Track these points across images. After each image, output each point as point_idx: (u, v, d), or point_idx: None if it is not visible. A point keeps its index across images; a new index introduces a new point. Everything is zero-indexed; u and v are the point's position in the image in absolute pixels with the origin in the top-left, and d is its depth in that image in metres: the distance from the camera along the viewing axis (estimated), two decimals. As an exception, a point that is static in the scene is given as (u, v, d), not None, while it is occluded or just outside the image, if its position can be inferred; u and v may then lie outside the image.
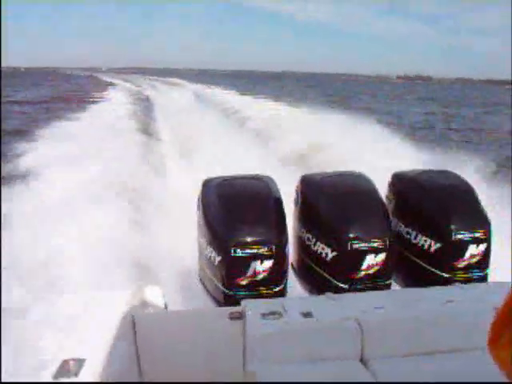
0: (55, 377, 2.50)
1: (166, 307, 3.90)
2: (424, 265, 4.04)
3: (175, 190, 11.35)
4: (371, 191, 4.05)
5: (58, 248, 7.59)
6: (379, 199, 4.02)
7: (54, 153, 15.14)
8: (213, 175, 4.30)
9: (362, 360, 3.07)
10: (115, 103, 38.91)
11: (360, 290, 3.72)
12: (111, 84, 75.54)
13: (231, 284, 3.64)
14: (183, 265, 5.96)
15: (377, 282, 3.77)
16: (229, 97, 45.10)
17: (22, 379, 2.48)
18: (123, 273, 7.19)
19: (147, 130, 24.53)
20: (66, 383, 2.49)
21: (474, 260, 3.95)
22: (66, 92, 60.87)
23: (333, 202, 3.92)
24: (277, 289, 3.70)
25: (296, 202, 4.26)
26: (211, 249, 3.74)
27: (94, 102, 39.23)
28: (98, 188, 10.93)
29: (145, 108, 36.72)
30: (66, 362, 2.60)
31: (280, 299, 3.48)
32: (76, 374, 2.51)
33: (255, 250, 3.59)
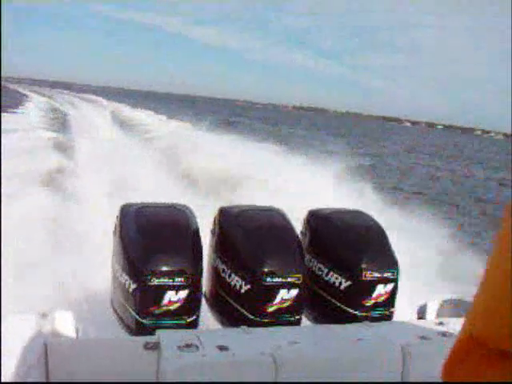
0: None
1: (77, 334, 3.84)
2: (334, 301, 4.14)
3: (89, 214, 11.21)
4: (287, 227, 4.14)
5: None
6: (295, 235, 4.11)
7: None
8: (131, 201, 4.29)
9: None
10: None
11: (272, 324, 3.77)
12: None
13: (145, 312, 3.61)
14: (95, 290, 5.89)
15: (288, 316, 3.83)
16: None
17: None
18: (35, 295, 7.03)
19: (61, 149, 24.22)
20: None
21: (382, 299, 4.10)
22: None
23: (249, 235, 3.98)
24: (190, 319, 3.71)
25: (213, 233, 4.29)
26: (126, 276, 3.71)
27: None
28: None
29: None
30: None
31: (195, 331, 3.50)
32: None
33: (171, 280, 3.59)
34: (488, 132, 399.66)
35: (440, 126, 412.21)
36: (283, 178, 17.69)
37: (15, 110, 46.44)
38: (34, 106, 56.30)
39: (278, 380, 3.13)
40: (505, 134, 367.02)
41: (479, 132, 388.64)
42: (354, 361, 3.33)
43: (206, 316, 4.16)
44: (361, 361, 3.34)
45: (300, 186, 15.78)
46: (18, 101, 62.78)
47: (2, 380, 2.61)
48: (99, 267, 5.16)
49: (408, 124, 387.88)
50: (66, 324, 3.80)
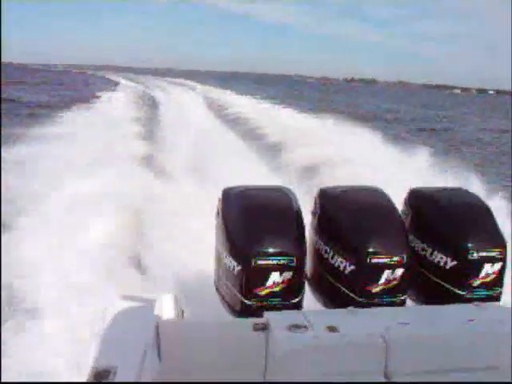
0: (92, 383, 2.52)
1: (182, 315, 3.94)
2: (439, 281, 4.07)
3: (190, 198, 11.41)
4: (389, 206, 4.08)
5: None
6: (398, 215, 4.05)
7: (54, 157, 15.33)
8: (232, 184, 4.34)
9: (385, 375, 3.11)
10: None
11: (376, 305, 3.74)
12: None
13: (250, 294, 3.65)
14: (198, 273, 6.01)
15: (393, 297, 3.79)
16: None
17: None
18: (137, 280, 7.30)
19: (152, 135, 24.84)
20: None
21: (489, 279, 3.98)
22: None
23: (352, 215, 3.95)
24: (295, 300, 3.73)
25: (314, 214, 4.29)
26: (231, 258, 3.76)
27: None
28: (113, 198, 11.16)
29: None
30: (101, 369, 2.63)
31: (302, 312, 3.51)
32: (109, 382, 2.53)
33: (276, 261, 3.61)
34: None
35: (491, 92, 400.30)
36: (378, 158, 17.48)
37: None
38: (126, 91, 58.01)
39: (389, 361, 3.11)
40: None
41: None
42: (467, 342, 3.24)
43: (309, 298, 4.16)
44: (473, 342, 3.25)
45: (395, 165, 15.52)
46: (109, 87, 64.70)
47: (118, 362, 2.71)
48: (200, 250, 5.24)
49: (458, 91, 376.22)
50: (171, 306, 3.90)
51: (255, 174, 13.75)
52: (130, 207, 11.17)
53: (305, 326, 3.22)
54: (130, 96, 51.43)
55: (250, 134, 27.37)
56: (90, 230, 9.20)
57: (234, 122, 32.61)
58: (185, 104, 45.13)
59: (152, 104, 46.59)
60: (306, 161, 18.70)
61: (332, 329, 3.21)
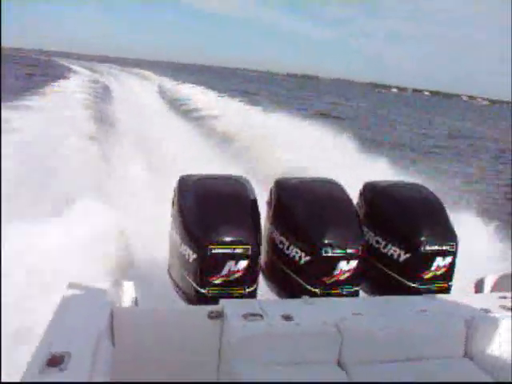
0: (44, 371, 2.48)
1: (136, 303, 3.91)
2: (392, 274, 4.13)
3: (145, 185, 11.32)
4: (345, 198, 4.11)
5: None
6: (353, 207, 4.09)
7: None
8: (189, 173, 4.32)
9: (339, 364, 3.15)
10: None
11: (330, 295, 3.78)
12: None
13: (205, 282, 3.65)
14: (151, 260, 5.98)
15: (346, 288, 3.84)
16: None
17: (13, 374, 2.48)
18: (96, 267, 7.20)
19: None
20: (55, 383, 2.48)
21: (440, 272, 4.07)
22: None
23: (308, 207, 3.97)
24: (249, 289, 3.74)
25: (269, 205, 4.29)
26: (186, 246, 3.74)
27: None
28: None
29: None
30: (53, 355, 2.58)
31: (258, 301, 3.52)
32: (64, 369, 2.50)
33: (232, 250, 3.62)
34: (475, 98, 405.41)
35: (427, 93, 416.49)
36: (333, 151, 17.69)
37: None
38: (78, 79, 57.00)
39: (343, 350, 3.15)
40: (490, 100, 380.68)
41: (465, 98, 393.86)
42: (419, 332, 3.32)
43: (262, 287, 4.17)
44: (425, 332, 3.32)
45: (350, 159, 15.71)
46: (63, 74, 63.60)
47: (72, 347, 2.68)
48: (154, 237, 5.21)
49: (395, 90, 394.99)
50: (127, 293, 3.87)
51: (212, 163, 13.74)
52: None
53: (260, 315, 3.24)
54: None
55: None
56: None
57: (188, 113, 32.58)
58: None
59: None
60: (261, 151, 18.81)
61: (287, 318, 3.24)
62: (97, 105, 32.65)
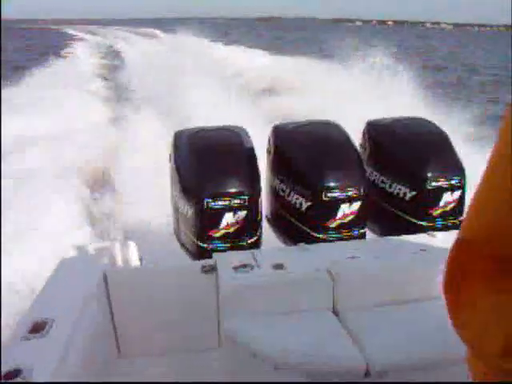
0: (26, 338, 2.46)
1: (141, 262, 3.87)
2: (399, 213, 4.03)
3: (150, 142, 11.25)
4: (345, 140, 3.98)
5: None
6: (353, 148, 3.95)
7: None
8: (185, 127, 4.23)
9: (333, 310, 3.07)
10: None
11: (335, 240, 3.70)
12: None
13: (205, 237, 3.60)
14: (158, 221, 5.94)
15: (352, 231, 3.74)
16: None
17: None
18: (97, 229, 7.21)
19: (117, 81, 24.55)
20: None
21: (449, 207, 3.94)
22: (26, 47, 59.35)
23: (306, 151, 3.85)
24: (251, 240, 3.68)
25: (268, 152, 4.19)
26: (184, 202, 3.69)
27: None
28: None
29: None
30: (36, 322, 2.56)
31: (252, 251, 3.44)
32: (46, 335, 2.47)
33: (228, 202, 3.54)
34: (438, 23, 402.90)
35: (390, 23, 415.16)
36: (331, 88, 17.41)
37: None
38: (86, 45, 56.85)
39: (337, 295, 3.06)
40: (455, 24, 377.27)
41: (429, 25, 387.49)
42: (414, 274, 3.19)
43: (270, 237, 4.11)
44: (420, 274, 3.17)
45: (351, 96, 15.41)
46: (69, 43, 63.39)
47: (57, 314, 2.65)
48: (160, 197, 5.15)
49: (359, 23, 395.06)
50: (130, 253, 3.83)
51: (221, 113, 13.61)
52: (93, 154, 11.05)
53: (251, 265, 3.18)
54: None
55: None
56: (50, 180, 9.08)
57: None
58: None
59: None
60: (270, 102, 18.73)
61: (278, 266, 3.16)
62: (109, 70, 32.67)
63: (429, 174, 3.88)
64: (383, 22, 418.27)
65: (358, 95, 15.63)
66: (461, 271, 1.05)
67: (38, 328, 2.51)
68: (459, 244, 1.06)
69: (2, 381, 2.10)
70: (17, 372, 2.16)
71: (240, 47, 43.76)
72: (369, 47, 24.14)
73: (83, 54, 43.30)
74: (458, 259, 1.06)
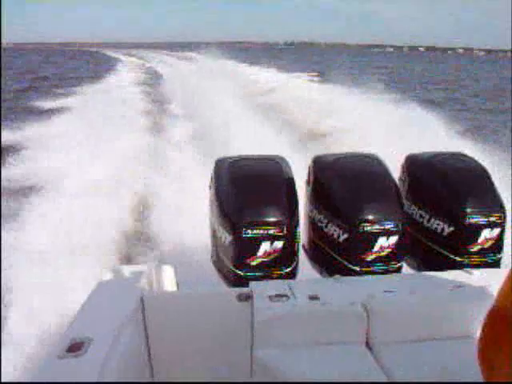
0: (63, 356, 2.50)
1: (177, 287, 3.90)
2: (436, 248, 4.00)
3: (189, 169, 11.37)
4: (384, 173, 3.99)
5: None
6: (392, 181, 3.96)
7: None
8: (226, 155, 4.29)
9: (367, 344, 3.06)
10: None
11: (371, 273, 3.69)
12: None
13: (241, 264, 3.63)
14: (196, 246, 5.98)
15: (388, 264, 3.73)
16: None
17: (30, 356, 2.49)
18: (135, 251, 7.30)
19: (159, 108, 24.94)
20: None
21: (488, 244, 3.89)
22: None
23: (345, 183, 3.87)
24: (287, 270, 3.69)
25: (308, 183, 4.22)
26: (222, 229, 3.73)
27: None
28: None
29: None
30: (74, 342, 2.60)
31: (288, 281, 3.45)
32: (83, 355, 2.51)
33: (266, 231, 3.57)
34: (471, 50, 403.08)
35: (421, 48, 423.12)
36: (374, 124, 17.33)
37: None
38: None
39: (371, 329, 3.05)
40: (487, 51, 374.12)
41: (461, 50, 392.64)
42: (450, 310, 3.15)
43: (306, 267, 4.12)
44: (456, 311, 3.14)
45: (391, 130, 15.32)
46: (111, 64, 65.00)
47: (95, 334, 2.70)
48: (198, 222, 5.21)
49: (390, 49, 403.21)
50: (167, 277, 3.88)
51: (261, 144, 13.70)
52: (133, 183, 11.24)
53: (286, 295, 3.19)
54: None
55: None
56: (92, 205, 9.25)
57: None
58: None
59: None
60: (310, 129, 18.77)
61: (313, 298, 3.17)
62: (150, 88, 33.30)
63: (467, 210, 3.84)
64: (415, 48, 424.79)
65: (396, 128, 15.57)
66: (494, 340, 1.05)
67: (75, 347, 2.55)
68: (493, 312, 1.07)
69: None
70: None
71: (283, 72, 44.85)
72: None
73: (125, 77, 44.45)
74: (492, 327, 1.07)
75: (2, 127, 18.50)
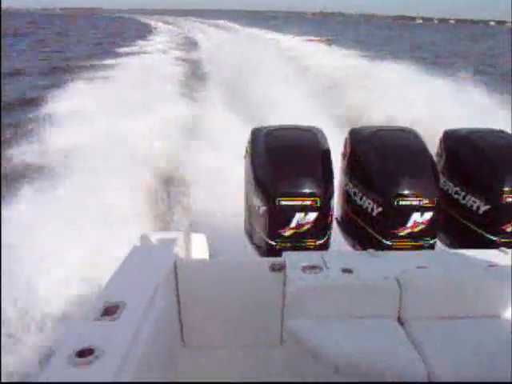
0: (98, 319, 2.55)
1: (209, 255, 3.93)
2: (471, 226, 3.95)
3: (224, 137, 11.37)
4: (421, 148, 3.94)
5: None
6: (429, 157, 3.90)
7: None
8: (262, 124, 4.28)
9: (399, 319, 3.05)
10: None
11: (404, 248, 3.67)
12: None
13: (274, 235, 3.64)
14: (229, 215, 6.01)
15: (421, 240, 3.71)
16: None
17: (66, 317, 2.55)
18: (166, 219, 7.38)
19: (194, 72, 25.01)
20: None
21: None
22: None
23: (382, 156, 3.83)
24: (320, 242, 3.70)
25: (344, 156, 4.19)
26: (257, 198, 3.74)
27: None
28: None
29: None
30: (108, 305, 2.65)
31: (322, 253, 3.45)
32: (117, 318, 2.55)
33: (300, 202, 3.57)
34: (502, 23, 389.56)
35: (452, 21, 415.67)
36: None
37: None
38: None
39: (404, 304, 3.05)
40: None
41: (493, 23, 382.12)
42: (482, 289, 3.11)
43: (338, 239, 4.11)
44: (488, 290, 3.11)
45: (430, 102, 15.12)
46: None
47: (128, 298, 2.75)
48: (233, 191, 5.24)
49: (420, 21, 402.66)
50: (199, 245, 3.91)
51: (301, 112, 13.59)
52: (168, 148, 11.32)
53: (319, 267, 3.19)
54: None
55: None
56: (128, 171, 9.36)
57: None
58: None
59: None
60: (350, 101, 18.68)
61: (347, 270, 3.16)
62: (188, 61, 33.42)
63: (505, 188, 3.78)
64: (445, 20, 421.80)
65: (435, 101, 15.36)
66: None
67: (110, 311, 2.60)
68: None
69: (76, 359, 2.19)
70: (90, 351, 2.25)
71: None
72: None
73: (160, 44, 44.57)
74: None
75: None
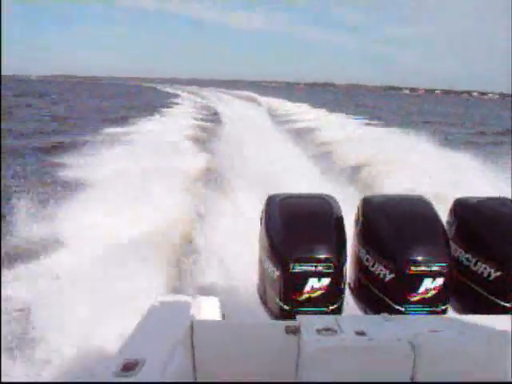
0: (116, 375, 2.61)
1: (223, 318, 3.99)
2: (483, 292, 3.99)
3: (239, 204, 11.51)
4: (432, 215, 4.04)
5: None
6: (440, 224, 4.00)
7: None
8: (277, 192, 4.40)
9: (412, 382, 3.08)
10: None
11: (416, 314, 3.71)
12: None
13: (288, 299, 3.70)
14: (243, 278, 6.09)
15: (433, 306, 3.76)
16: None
17: (83, 377, 2.61)
18: (183, 282, 7.42)
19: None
20: (127, 383, 2.58)
21: None
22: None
23: (394, 224, 3.93)
24: (333, 307, 3.75)
25: (356, 223, 4.29)
26: (271, 263, 3.82)
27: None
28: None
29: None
30: (128, 361, 2.71)
31: (335, 317, 3.49)
32: (137, 374, 2.61)
33: (314, 267, 3.64)
34: (485, 93, 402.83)
35: (438, 91, 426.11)
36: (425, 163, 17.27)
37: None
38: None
39: (417, 367, 3.07)
40: (500, 94, 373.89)
41: (476, 94, 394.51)
42: (494, 354, 3.15)
43: (351, 305, 4.16)
44: (501, 355, 3.13)
45: (441, 170, 15.26)
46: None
47: (147, 355, 2.80)
48: (246, 255, 5.32)
49: (407, 91, 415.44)
50: (212, 308, 3.96)
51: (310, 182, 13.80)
52: (185, 214, 11.43)
53: (334, 330, 3.22)
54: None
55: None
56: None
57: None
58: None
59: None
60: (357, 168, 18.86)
61: (360, 333, 3.20)
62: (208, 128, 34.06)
63: None
64: (431, 91, 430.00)
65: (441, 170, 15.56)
66: None
67: (129, 367, 2.66)
68: None
69: None
70: None
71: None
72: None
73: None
74: None
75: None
